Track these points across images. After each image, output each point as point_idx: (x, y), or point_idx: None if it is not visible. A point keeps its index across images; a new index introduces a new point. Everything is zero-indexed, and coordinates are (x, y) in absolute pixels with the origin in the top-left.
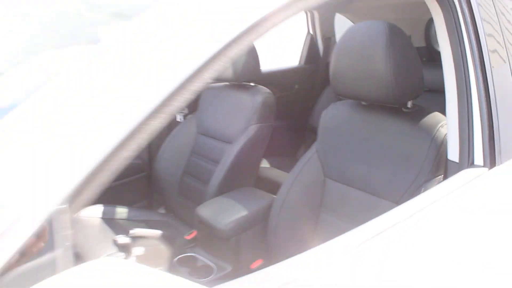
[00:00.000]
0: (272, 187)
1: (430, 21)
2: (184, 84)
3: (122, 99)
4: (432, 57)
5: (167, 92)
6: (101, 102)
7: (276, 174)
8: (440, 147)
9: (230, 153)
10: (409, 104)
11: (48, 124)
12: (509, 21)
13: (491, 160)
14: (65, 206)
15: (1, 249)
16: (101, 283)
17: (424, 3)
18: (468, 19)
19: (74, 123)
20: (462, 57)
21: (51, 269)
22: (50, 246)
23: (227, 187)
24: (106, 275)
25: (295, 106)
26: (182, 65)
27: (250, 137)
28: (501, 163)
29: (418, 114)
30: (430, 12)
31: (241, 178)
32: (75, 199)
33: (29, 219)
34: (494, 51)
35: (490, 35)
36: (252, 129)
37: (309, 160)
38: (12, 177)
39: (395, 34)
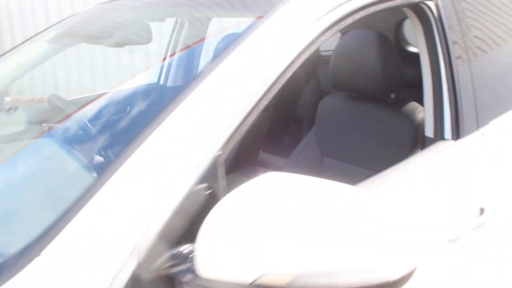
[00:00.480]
0: (267, 167)
1: (399, 23)
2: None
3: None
4: (401, 55)
5: (270, 83)
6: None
7: (268, 157)
8: (417, 128)
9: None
10: (392, 95)
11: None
12: (469, 37)
13: (457, 134)
14: (219, 153)
15: (191, 174)
16: (272, 196)
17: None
18: (441, 34)
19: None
20: (436, 59)
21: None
22: (215, 179)
23: (236, 167)
24: (272, 187)
25: (281, 98)
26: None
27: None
28: (463, 137)
29: (399, 103)
30: (399, 15)
31: (247, 160)
32: (223, 149)
33: (202, 160)
34: (459, 56)
35: (455, 42)
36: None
37: (309, 142)
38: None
39: (383, 41)
